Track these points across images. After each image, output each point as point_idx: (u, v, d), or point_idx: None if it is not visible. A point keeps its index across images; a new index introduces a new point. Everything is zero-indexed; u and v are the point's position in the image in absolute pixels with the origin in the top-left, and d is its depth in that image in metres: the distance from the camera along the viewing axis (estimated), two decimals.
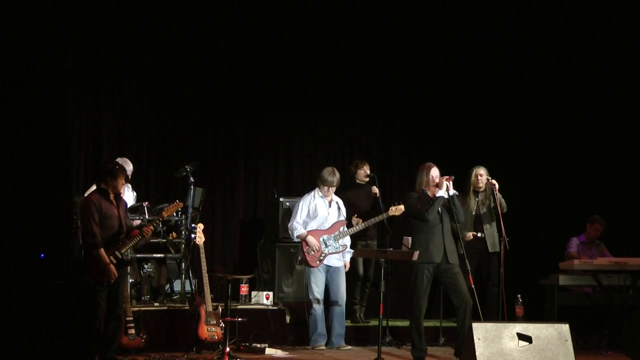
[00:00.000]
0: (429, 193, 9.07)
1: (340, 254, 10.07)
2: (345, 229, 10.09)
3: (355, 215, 10.56)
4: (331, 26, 12.25)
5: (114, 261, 8.31)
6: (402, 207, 9.88)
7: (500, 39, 12.44)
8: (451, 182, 9.04)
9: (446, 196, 9.00)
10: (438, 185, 9.03)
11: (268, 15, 11.95)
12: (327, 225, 10.06)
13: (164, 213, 9.26)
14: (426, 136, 12.76)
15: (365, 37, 12.46)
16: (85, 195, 9.30)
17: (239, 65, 12.00)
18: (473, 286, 9.05)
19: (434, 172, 9.12)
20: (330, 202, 10.15)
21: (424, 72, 12.69)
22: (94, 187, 9.84)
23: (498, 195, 10.28)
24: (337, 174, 10.09)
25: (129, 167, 10.08)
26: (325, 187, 10.08)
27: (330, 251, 9.99)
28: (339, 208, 10.20)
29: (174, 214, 10.14)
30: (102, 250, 8.27)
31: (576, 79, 12.35)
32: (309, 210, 10.10)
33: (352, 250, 10.10)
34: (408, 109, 12.81)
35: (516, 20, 12.32)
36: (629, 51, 12.02)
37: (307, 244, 9.97)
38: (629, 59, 12.04)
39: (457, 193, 9.19)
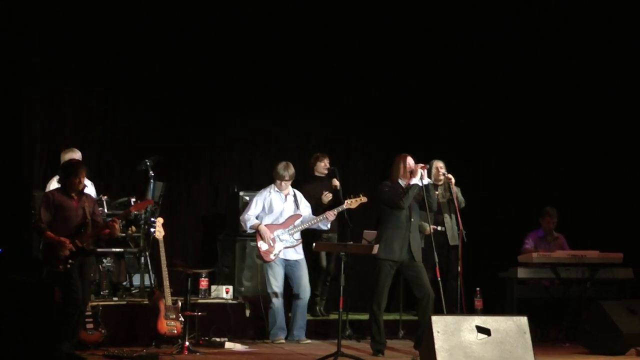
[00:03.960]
0: (404, 183, 9.12)
1: (297, 247, 10.06)
2: (300, 222, 10.07)
3: (325, 193, 10.49)
4: (331, 26, 12.20)
5: (73, 249, 8.25)
6: (360, 199, 9.87)
7: (500, 39, 12.44)
8: (425, 171, 9.17)
9: (420, 184, 9.05)
10: (413, 173, 9.10)
11: (268, 15, 11.91)
12: (281, 220, 10.05)
13: (132, 209, 9.22)
14: (426, 135, 12.56)
15: (366, 37, 12.38)
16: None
17: (203, 62, 11.92)
18: (439, 279, 9.08)
19: (409, 160, 9.21)
20: (286, 196, 10.15)
21: (424, 71, 12.62)
22: (53, 181, 9.81)
23: (454, 189, 10.32)
24: (292, 168, 10.10)
25: (76, 154, 9.93)
26: (280, 182, 10.08)
27: (285, 245, 9.98)
28: (295, 201, 10.16)
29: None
30: (49, 232, 8.26)
31: (576, 79, 12.40)
32: (264, 206, 10.09)
33: (326, 218, 10.02)
34: (408, 108, 12.72)
35: (516, 20, 12.34)
36: (629, 51, 12.09)
37: (260, 234, 9.95)
38: (629, 59, 12.11)
39: (431, 182, 9.28)
